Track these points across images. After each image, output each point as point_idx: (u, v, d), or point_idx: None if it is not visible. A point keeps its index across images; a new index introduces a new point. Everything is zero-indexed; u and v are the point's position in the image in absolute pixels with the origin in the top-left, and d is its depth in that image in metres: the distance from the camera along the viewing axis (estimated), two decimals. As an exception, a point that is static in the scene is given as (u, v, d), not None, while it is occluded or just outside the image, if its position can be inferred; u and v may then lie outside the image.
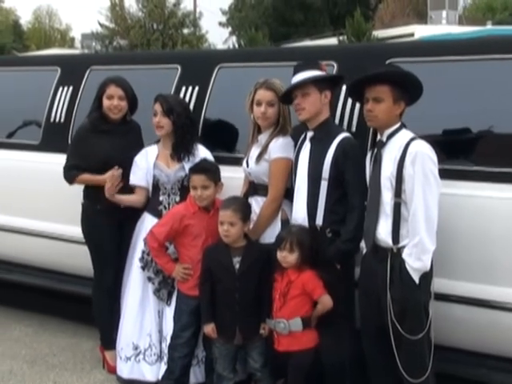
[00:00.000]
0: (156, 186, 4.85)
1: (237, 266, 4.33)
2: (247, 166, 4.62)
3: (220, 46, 42.66)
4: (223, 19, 46.19)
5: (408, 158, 3.77)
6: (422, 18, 33.20)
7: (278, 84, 4.50)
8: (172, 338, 4.66)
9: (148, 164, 4.85)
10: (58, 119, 5.93)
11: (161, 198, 4.83)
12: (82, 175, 4.98)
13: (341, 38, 25.67)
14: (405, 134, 3.90)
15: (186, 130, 4.80)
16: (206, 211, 4.60)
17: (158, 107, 4.81)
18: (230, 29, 45.84)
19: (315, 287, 4.13)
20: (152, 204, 4.85)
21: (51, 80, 6.11)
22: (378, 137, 4.02)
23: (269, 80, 4.53)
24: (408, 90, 3.92)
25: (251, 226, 4.45)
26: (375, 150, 4.00)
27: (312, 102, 4.25)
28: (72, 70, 6.12)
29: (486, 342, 4.17)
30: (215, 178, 4.59)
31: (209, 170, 4.58)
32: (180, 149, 4.80)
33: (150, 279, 4.77)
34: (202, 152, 4.85)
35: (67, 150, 5.17)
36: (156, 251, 4.64)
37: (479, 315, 4.12)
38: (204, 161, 4.71)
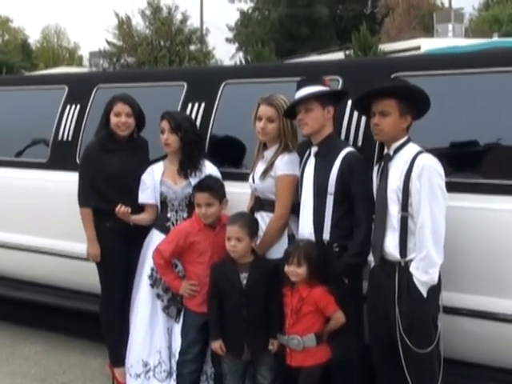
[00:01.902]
0: (163, 202, 4.86)
1: (244, 281, 4.33)
2: (253, 181, 4.63)
3: (227, 61, 42.85)
4: (230, 35, 46.41)
5: (415, 172, 3.78)
6: (428, 31, 33.27)
7: (279, 100, 4.50)
8: (180, 354, 4.66)
9: (154, 181, 4.86)
10: (65, 137, 5.96)
11: (168, 215, 4.84)
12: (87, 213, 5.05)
13: (347, 52, 25.74)
14: (412, 148, 3.91)
15: (193, 146, 4.83)
16: (211, 228, 4.60)
17: (165, 124, 4.83)
18: (236, 45, 46.04)
19: (328, 303, 4.12)
20: (160, 220, 4.87)
21: (59, 98, 6.15)
22: (385, 150, 4.02)
23: (272, 96, 4.54)
24: (415, 103, 3.94)
25: (258, 241, 4.44)
26: (382, 164, 4.01)
27: (315, 118, 4.27)
28: (79, 89, 6.16)
29: (496, 355, 4.14)
30: (219, 195, 4.60)
31: (212, 188, 4.59)
32: (187, 165, 4.82)
33: (158, 296, 4.77)
34: (209, 168, 4.86)
35: (78, 172, 5.18)
36: (162, 268, 4.65)
37: (488, 328, 4.10)
38: (208, 178, 4.72)
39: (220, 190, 4.63)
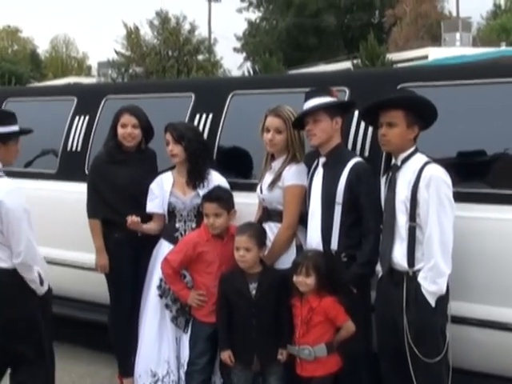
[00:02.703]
0: (172, 212, 4.88)
1: (253, 291, 4.34)
2: (261, 192, 4.64)
3: (235, 71, 43.04)
4: (238, 45, 46.63)
5: (422, 182, 3.79)
6: (435, 40, 33.31)
7: (287, 111, 4.52)
8: (188, 364, 4.67)
9: (163, 192, 4.88)
10: (74, 148, 6.00)
11: (177, 225, 4.86)
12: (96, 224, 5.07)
13: (355, 61, 25.81)
14: (419, 158, 3.92)
15: (198, 155, 4.85)
16: (219, 238, 4.61)
17: (168, 136, 4.87)
18: (244, 54, 46.22)
19: (338, 313, 4.12)
20: (168, 231, 4.88)
21: (68, 109, 6.19)
22: (393, 161, 4.04)
23: (279, 107, 4.56)
24: (422, 114, 3.95)
25: (266, 251, 4.46)
26: (390, 174, 4.02)
27: (323, 128, 4.29)
28: (88, 100, 6.20)
29: (505, 365, 4.13)
30: (228, 205, 4.61)
31: (221, 198, 4.60)
32: (195, 175, 4.84)
33: (167, 307, 4.78)
34: (216, 178, 4.88)
35: (87, 183, 5.21)
36: (171, 278, 4.66)
37: (497, 338, 4.10)
38: (217, 188, 4.74)
39: (228, 200, 4.65)
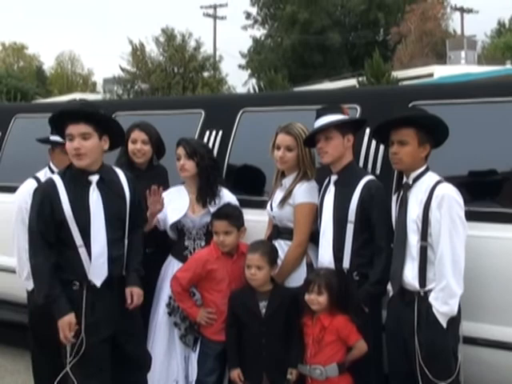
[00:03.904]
0: (181, 230, 4.85)
1: (263, 310, 4.31)
2: (271, 209, 4.63)
3: (239, 88, 43.20)
4: (243, 62, 46.83)
5: (434, 201, 3.77)
6: (440, 58, 33.40)
7: (298, 129, 4.51)
8: (196, 382, 4.63)
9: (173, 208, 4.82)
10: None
11: (186, 243, 4.82)
12: None
13: (360, 78, 25.85)
14: (431, 177, 3.90)
15: (210, 172, 4.83)
16: (229, 256, 4.59)
17: (181, 151, 4.85)
18: (249, 71, 46.40)
19: (350, 332, 4.09)
20: (177, 249, 4.84)
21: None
22: (404, 179, 4.02)
23: (290, 125, 4.55)
24: (433, 132, 3.94)
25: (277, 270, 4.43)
26: (401, 193, 4.00)
27: (335, 146, 4.28)
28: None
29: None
30: (238, 223, 4.59)
31: (231, 216, 4.59)
32: (205, 192, 4.81)
33: (176, 325, 4.74)
34: (227, 196, 4.86)
35: None
36: (180, 295, 4.64)
37: (510, 359, 4.05)
38: (227, 206, 4.72)
39: (238, 218, 4.63)
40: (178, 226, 4.84)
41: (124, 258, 4.16)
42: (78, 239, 3.98)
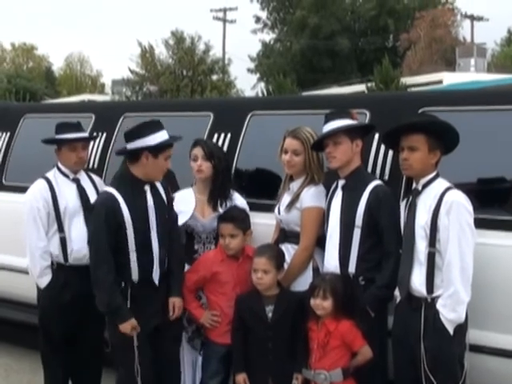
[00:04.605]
0: (190, 234, 4.83)
1: (270, 314, 4.30)
2: (278, 213, 4.62)
3: (248, 91, 43.22)
4: (252, 65, 46.84)
5: (443, 208, 3.76)
6: (450, 65, 33.35)
7: (305, 133, 4.50)
8: None
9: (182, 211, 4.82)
10: (91, 165, 5.99)
11: (196, 247, 4.80)
12: None
13: (369, 84, 25.82)
14: (440, 183, 3.89)
15: (225, 175, 4.83)
16: (234, 259, 4.58)
17: (198, 151, 4.82)
18: (258, 75, 46.42)
19: (355, 338, 4.08)
20: (187, 253, 4.79)
21: (86, 126, 6.17)
22: (413, 185, 4.01)
23: (298, 129, 4.54)
24: (444, 139, 3.92)
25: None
26: (410, 198, 3.99)
27: (343, 151, 4.27)
28: (106, 117, 6.21)
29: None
30: (244, 226, 4.58)
31: (237, 219, 4.57)
32: (217, 195, 4.79)
33: (183, 328, 4.73)
34: (238, 200, 4.84)
35: None
36: (185, 296, 4.62)
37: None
38: (233, 209, 4.71)
39: (244, 220, 4.62)
40: (188, 230, 4.82)
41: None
42: (132, 244, 4.28)
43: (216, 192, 4.80)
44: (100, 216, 4.25)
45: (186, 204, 4.82)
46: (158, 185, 4.46)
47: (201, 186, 4.88)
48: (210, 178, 4.82)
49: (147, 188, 4.36)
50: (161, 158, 4.32)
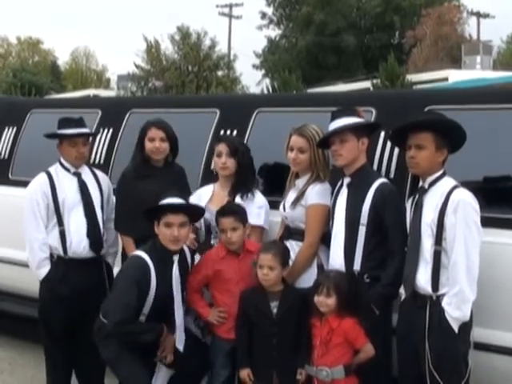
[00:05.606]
0: (208, 228, 4.84)
1: (274, 310, 4.31)
2: (284, 209, 4.63)
3: (253, 88, 43.19)
4: (257, 62, 46.80)
5: (450, 206, 3.76)
6: (455, 62, 33.26)
7: (311, 130, 4.50)
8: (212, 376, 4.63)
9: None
10: (97, 160, 6.00)
11: (212, 242, 4.80)
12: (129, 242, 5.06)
13: (374, 81, 25.77)
14: (447, 182, 3.89)
15: (248, 170, 4.83)
16: (235, 255, 4.57)
17: (223, 148, 4.81)
18: (263, 71, 46.36)
19: (358, 336, 4.08)
20: (204, 248, 4.79)
21: (92, 122, 6.19)
22: (420, 183, 4.01)
23: (303, 126, 4.54)
24: (451, 137, 3.92)
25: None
26: (416, 197, 3.99)
27: (349, 149, 4.27)
28: (112, 113, 6.22)
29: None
30: (243, 219, 4.57)
31: (237, 212, 4.57)
32: (239, 190, 4.77)
33: (189, 324, 4.74)
34: (258, 197, 4.81)
35: (115, 199, 5.20)
36: (190, 296, 4.64)
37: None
38: (230, 204, 4.70)
39: (244, 213, 4.60)
40: (205, 224, 4.83)
41: None
42: (146, 309, 4.44)
43: (238, 187, 4.79)
44: (132, 278, 4.39)
45: (205, 199, 4.86)
46: (186, 250, 4.62)
47: (224, 181, 4.88)
48: (233, 174, 4.82)
49: (175, 258, 4.48)
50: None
